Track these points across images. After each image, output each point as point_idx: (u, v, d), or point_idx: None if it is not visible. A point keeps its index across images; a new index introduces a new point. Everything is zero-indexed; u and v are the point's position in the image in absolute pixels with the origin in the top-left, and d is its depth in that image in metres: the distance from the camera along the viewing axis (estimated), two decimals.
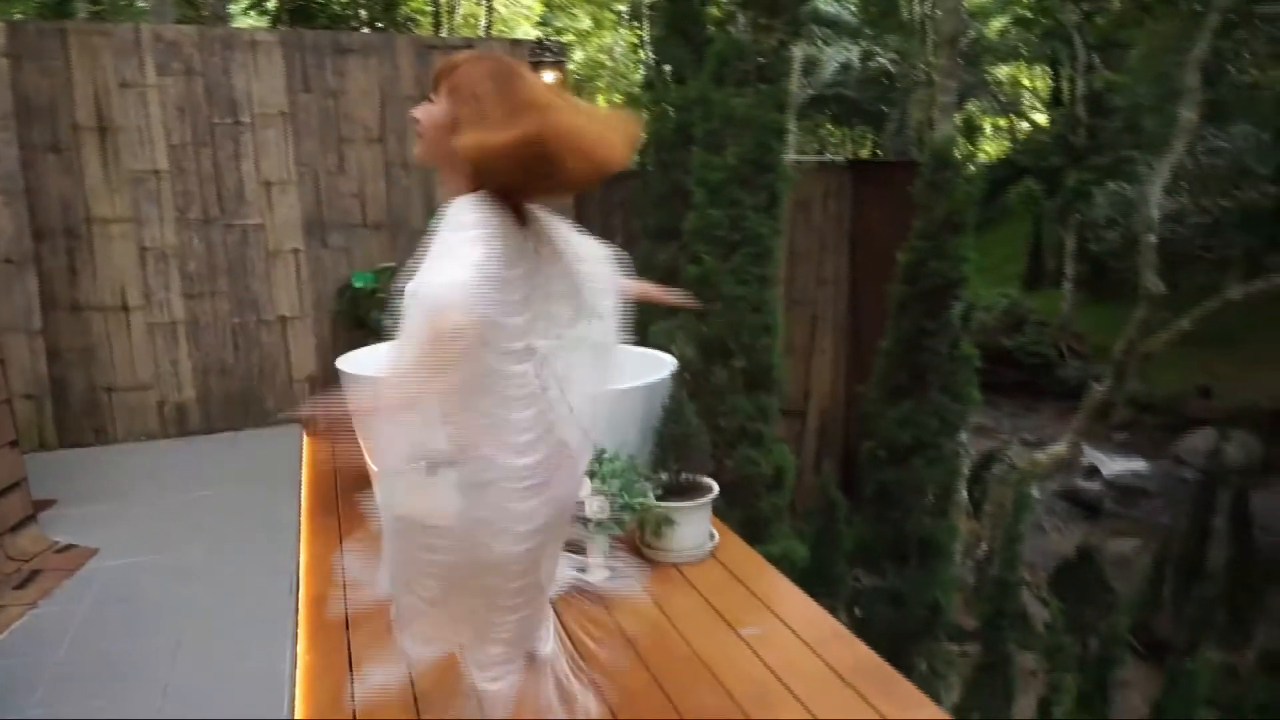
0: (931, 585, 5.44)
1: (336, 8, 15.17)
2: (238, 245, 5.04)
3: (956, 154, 6.07)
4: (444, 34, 16.85)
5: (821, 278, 7.21)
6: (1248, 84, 13.78)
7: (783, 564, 3.72)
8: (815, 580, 5.21)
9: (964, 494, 8.31)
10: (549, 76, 5.29)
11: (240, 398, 5.14)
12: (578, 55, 21.41)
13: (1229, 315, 11.18)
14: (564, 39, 15.99)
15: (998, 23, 19.91)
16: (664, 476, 3.19)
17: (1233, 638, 8.46)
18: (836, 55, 17.26)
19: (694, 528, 3.14)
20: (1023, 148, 21.35)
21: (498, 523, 1.66)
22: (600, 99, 21.29)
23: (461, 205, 1.56)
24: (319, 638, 2.66)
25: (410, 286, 1.50)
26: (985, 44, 19.18)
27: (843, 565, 5.70)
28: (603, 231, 2.02)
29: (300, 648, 2.65)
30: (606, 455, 2.94)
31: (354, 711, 2.24)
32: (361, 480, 3.00)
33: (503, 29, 20.50)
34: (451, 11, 19.33)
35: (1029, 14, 18.92)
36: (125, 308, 4.88)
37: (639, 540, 3.16)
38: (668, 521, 3.09)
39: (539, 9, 21.14)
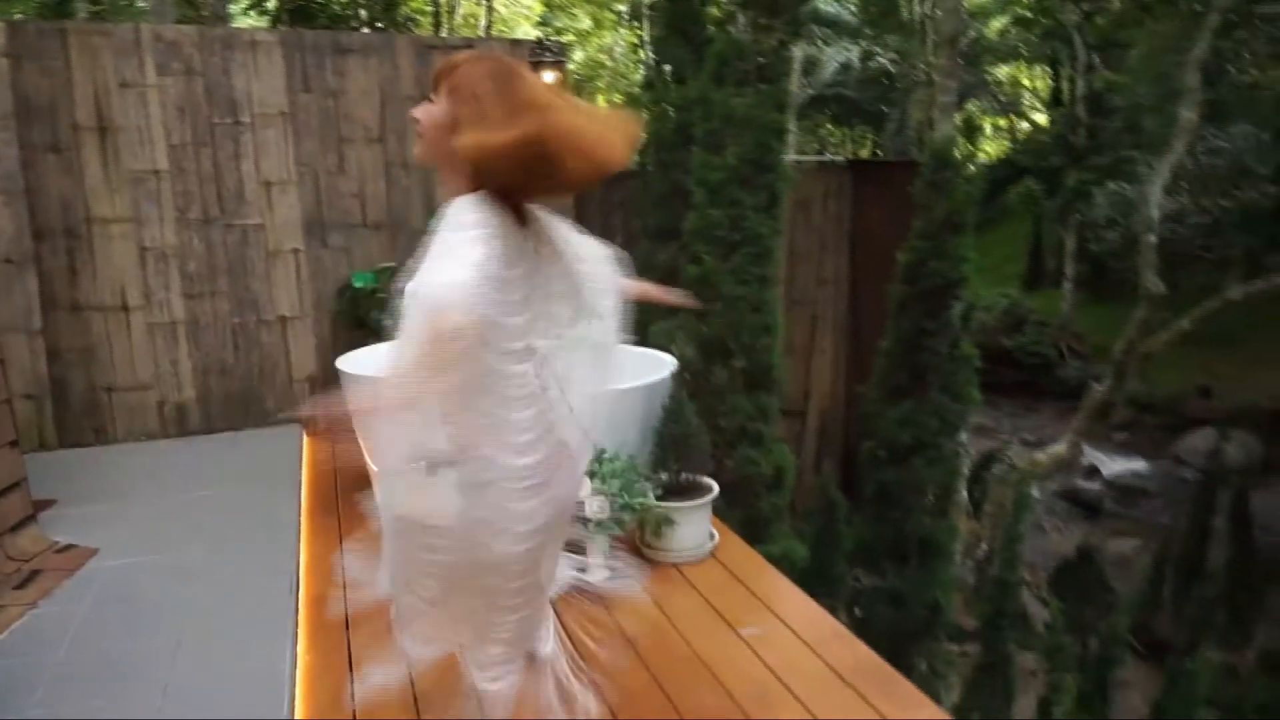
0: (931, 585, 5.44)
1: (336, 8, 15.16)
2: (238, 245, 5.04)
3: (956, 154, 6.07)
4: (444, 34, 16.85)
5: (821, 278, 7.21)
6: (1248, 84, 13.78)
7: (783, 564, 3.72)
8: (815, 580, 5.21)
9: (964, 494, 8.30)
10: (549, 76, 5.29)
11: (240, 398, 5.14)
12: (578, 55, 21.40)
13: (1229, 315, 11.18)
14: (564, 39, 15.99)
15: (998, 23, 19.90)
16: (664, 476, 3.19)
17: (1233, 638, 8.45)
18: (836, 55, 17.25)
19: (694, 528, 3.14)
20: (1023, 148, 21.35)
21: (498, 523, 1.67)
22: (600, 99, 21.29)
23: (461, 205, 1.56)
24: (319, 638, 2.66)
25: (410, 286, 1.50)
26: (985, 44, 19.17)
27: (843, 565, 5.70)
28: (603, 231, 2.02)
29: (300, 648, 2.65)
30: (606, 455, 2.94)
31: (354, 711, 2.24)
32: (361, 480, 3.00)
33: (503, 29, 20.50)
34: (451, 11, 19.33)
35: (1029, 14, 18.92)
36: (125, 308, 4.88)
37: (639, 540, 3.16)
38: (668, 521, 3.09)
39: (539, 9, 21.13)
